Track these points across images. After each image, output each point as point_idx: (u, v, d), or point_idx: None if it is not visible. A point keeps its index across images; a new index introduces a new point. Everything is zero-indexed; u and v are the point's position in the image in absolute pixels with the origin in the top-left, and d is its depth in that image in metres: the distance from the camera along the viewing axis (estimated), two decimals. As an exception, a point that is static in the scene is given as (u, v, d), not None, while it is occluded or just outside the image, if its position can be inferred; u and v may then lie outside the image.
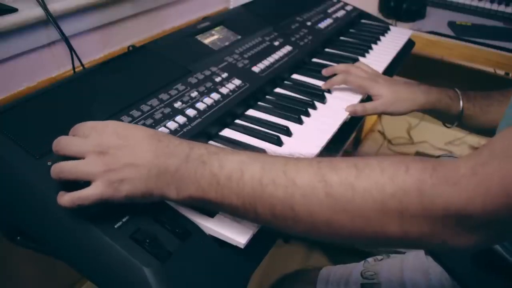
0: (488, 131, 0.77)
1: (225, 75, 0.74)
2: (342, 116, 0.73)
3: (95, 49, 0.94)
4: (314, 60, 0.94)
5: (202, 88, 0.68)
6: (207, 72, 0.73)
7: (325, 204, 0.40)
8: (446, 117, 0.84)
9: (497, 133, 0.68)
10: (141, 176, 0.44)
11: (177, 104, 0.64)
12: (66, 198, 0.44)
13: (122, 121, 0.57)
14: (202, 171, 0.44)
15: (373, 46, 1.04)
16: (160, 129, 0.58)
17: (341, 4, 1.21)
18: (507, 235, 0.42)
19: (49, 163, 0.48)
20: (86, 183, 0.44)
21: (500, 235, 0.40)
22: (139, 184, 0.44)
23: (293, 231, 0.44)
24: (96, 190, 0.43)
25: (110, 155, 0.44)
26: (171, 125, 0.60)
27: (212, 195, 0.44)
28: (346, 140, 0.76)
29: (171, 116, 0.61)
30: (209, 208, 0.48)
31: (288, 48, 0.89)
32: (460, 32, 1.32)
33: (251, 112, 0.72)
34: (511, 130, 0.38)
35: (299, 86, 0.82)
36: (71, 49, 0.83)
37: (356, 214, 0.39)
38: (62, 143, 0.46)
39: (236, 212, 0.45)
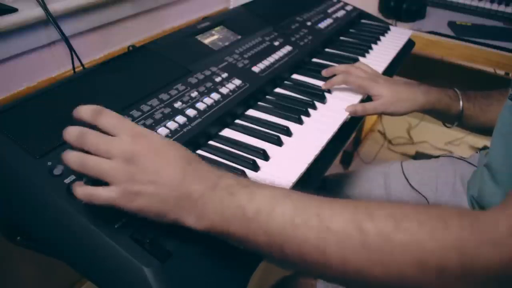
0: (488, 131, 0.77)
1: (225, 75, 0.74)
2: (342, 116, 0.73)
3: (95, 49, 0.94)
4: (314, 60, 0.94)
5: (202, 88, 0.68)
6: (207, 72, 0.73)
7: (360, 254, 0.38)
8: (446, 117, 0.84)
9: (493, 138, 0.68)
10: (160, 195, 0.43)
11: (177, 104, 0.64)
12: (80, 191, 0.43)
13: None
14: (228, 202, 0.42)
15: (373, 46, 1.04)
16: (160, 129, 0.58)
17: (341, 4, 1.21)
18: None
19: (49, 163, 0.48)
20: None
21: None
22: (155, 202, 0.43)
23: (321, 275, 0.43)
24: (110, 194, 0.43)
25: (136, 166, 0.43)
26: (171, 125, 0.60)
27: (235, 228, 0.42)
28: (346, 140, 0.76)
29: (171, 116, 0.61)
30: (229, 242, 0.45)
31: (288, 48, 0.89)
32: (460, 32, 1.32)
33: (251, 112, 0.72)
34: None
35: (299, 86, 0.82)
36: (71, 49, 0.83)
37: (392, 268, 0.37)
38: (91, 138, 0.44)
39: (260, 249, 0.43)
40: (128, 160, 0.43)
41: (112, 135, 0.45)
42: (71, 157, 0.44)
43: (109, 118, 0.45)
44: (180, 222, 0.44)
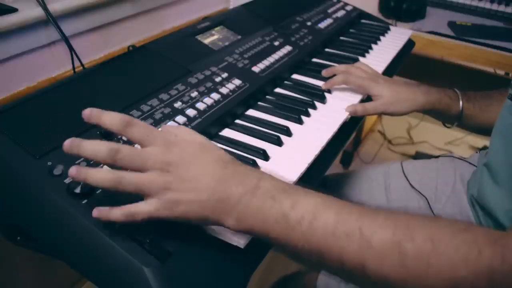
0: (487, 131, 0.77)
1: (225, 75, 0.74)
2: (342, 116, 0.73)
3: (95, 49, 0.94)
4: (314, 60, 0.94)
5: (202, 88, 0.68)
6: (207, 72, 0.73)
7: (398, 272, 0.40)
8: (446, 117, 0.84)
9: (492, 138, 0.68)
10: (199, 200, 0.43)
11: (177, 104, 0.64)
12: (119, 212, 0.43)
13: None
14: (270, 208, 0.43)
15: (373, 46, 1.04)
16: (160, 129, 0.58)
17: (341, 4, 1.21)
18: None
19: (49, 163, 0.48)
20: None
21: None
22: (195, 208, 0.43)
23: (358, 283, 0.44)
24: (150, 207, 0.43)
25: (173, 175, 0.43)
26: (171, 125, 0.59)
27: (276, 233, 0.43)
28: (346, 140, 0.76)
29: (171, 116, 0.61)
30: (266, 242, 0.46)
31: (288, 48, 0.89)
32: (460, 32, 1.32)
33: (251, 112, 0.72)
34: None
35: (299, 86, 0.82)
36: (71, 49, 0.83)
37: None
38: (125, 154, 0.43)
39: (298, 255, 0.44)
40: (164, 170, 0.43)
41: (142, 146, 0.45)
42: (104, 176, 0.42)
43: (139, 128, 0.45)
44: (221, 224, 0.45)
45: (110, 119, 0.44)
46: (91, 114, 0.44)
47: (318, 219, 0.42)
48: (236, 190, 0.44)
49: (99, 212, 0.43)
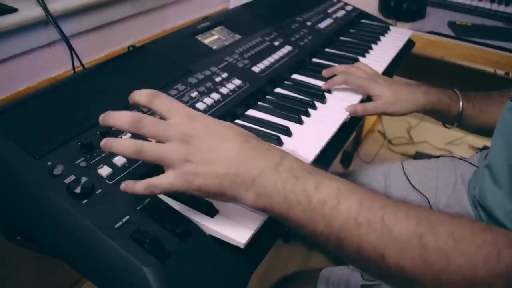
0: (488, 131, 0.77)
1: (225, 75, 0.74)
2: (342, 116, 0.73)
3: (95, 49, 0.94)
4: (314, 60, 0.94)
5: (202, 88, 0.68)
6: (207, 72, 0.73)
7: (417, 265, 0.40)
8: (446, 118, 0.84)
9: (494, 139, 0.68)
10: (217, 173, 0.43)
11: (177, 104, 0.63)
12: (140, 185, 0.43)
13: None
14: (293, 186, 0.42)
15: (373, 46, 1.04)
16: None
17: (341, 4, 1.21)
18: None
19: (49, 163, 0.48)
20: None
21: None
22: (213, 181, 0.43)
23: (375, 273, 0.44)
24: (169, 179, 0.43)
25: (193, 146, 0.43)
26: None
27: (297, 214, 0.42)
28: (346, 140, 0.76)
29: (171, 116, 0.61)
30: (282, 223, 0.45)
31: (288, 48, 0.89)
32: (460, 32, 1.32)
33: (251, 112, 0.72)
34: None
35: (299, 86, 0.82)
36: (71, 49, 0.83)
37: (443, 284, 0.39)
38: (147, 123, 0.44)
39: (315, 238, 0.44)
40: (184, 141, 0.43)
41: (165, 119, 0.45)
42: (126, 144, 0.44)
43: (163, 100, 0.46)
44: (239, 200, 0.44)
45: (138, 93, 0.46)
46: (130, 95, 0.46)
47: (342, 204, 0.42)
48: (258, 163, 0.43)
49: (125, 185, 0.44)
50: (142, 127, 0.44)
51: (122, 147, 0.44)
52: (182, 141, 0.43)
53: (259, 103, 0.75)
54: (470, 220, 0.42)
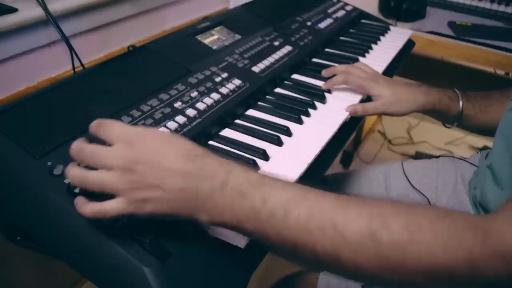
0: (488, 131, 0.77)
1: (225, 75, 0.74)
2: (342, 116, 0.73)
3: (95, 49, 0.94)
4: (314, 60, 0.94)
5: (202, 88, 0.68)
6: (207, 72, 0.73)
7: (373, 262, 0.40)
8: (446, 118, 0.84)
9: (495, 140, 0.68)
10: (167, 198, 0.42)
11: (177, 104, 0.64)
12: (87, 209, 0.43)
13: (122, 120, 0.57)
14: (240, 203, 0.42)
15: (373, 46, 1.04)
16: (160, 129, 0.58)
17: (341, 4, 1.21)
18: None
19: (49, 163, 0.48)
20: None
21: None
22: (164, 205, 0.42)
23: (335, 273, 0.44)
24: (118, 206, 0.42)
25: (137, 173, 0.42)
26: (171, 125, 0.60)
27: (249, 228, 0.43)
28: (346, 140, 0.76)
29: (171, 116, 0.61)
30: (243, 235, 0.46)
31: (288, 48, 0.89)
32: (460, 32, 1.32)
33: (251, 112, 0.72)
34: None
35: (299, 86, 0.82)
36: (71, 49, 0.83)
37: (404, 277, 0.39)
38: (87, 153, 0.43)
39: (271, 247, 0.44)
40: (127, 169, 0.42)
41: (109, 145, 0.44)
42: (72, 173, 0.44)
43: (106, 128, 0.45)
44: (195, 219, 0.44)
45: (90, 125, 0.46)
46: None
47: (291, 213, 0.41)
48: (205, 186, 0.42)
49: (75, 202, 0.44)
50: (84, 158, 0.44)
51: (71, 175, 0.44)
52: (125, 169, 0.42)
53: (259, 103, 0.75)
54: (429, 207, 0.42)
